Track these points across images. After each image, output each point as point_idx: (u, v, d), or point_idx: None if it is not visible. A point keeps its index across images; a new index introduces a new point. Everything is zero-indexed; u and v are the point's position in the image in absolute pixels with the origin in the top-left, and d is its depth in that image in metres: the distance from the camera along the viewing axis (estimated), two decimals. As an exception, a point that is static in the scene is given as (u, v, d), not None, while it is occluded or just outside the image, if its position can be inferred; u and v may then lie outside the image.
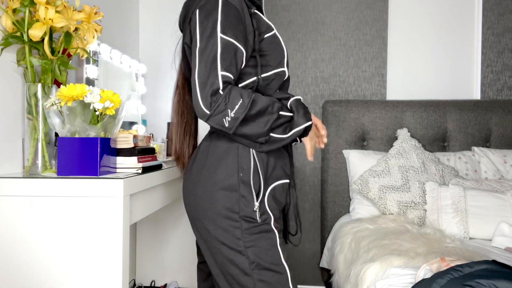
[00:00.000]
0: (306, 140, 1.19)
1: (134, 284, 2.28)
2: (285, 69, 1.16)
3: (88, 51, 1.46)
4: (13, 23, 1.22)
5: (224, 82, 1.02)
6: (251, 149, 1.11)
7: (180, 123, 1.27)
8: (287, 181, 1.19)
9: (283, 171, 1.17)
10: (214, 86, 1.01)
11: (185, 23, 1.18)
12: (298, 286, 2.44)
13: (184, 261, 2.32)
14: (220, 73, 1.02)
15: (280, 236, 1.14)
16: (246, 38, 1.08)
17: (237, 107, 1.01)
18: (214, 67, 1.02)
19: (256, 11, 1.16)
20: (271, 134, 1.07)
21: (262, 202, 1.11)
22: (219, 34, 1.03)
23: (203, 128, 1.31)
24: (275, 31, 1.16)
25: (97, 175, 1.15)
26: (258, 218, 1.09)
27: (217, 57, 1.02)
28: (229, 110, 1.01)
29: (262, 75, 1.12)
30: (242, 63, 1.08)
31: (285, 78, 1.17)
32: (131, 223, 1.20)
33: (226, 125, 1.02)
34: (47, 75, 1.27)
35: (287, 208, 1.24)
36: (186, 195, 1.18)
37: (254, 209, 1.09)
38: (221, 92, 1.01)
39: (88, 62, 1.64)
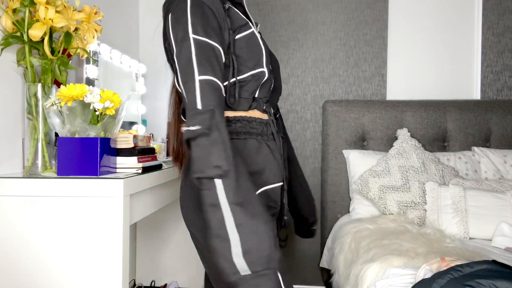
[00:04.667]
0: None
1: (134, 284, 2.28)
2: (265, 69, 1.08)
3: (88, 51, 1.46)
4: (13, 23, 1.22)
5: (203, 97, 0.92)
6: None
7: (177, 123, 1.27)
8: (277, 184, 1.13)
9: (273, 175, 1.12)
10: (193, 103, 0.92)
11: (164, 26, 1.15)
12: (299, 286, 2.44)
13: (184, 261, 2.32)
14: (198, 78, 0.93)
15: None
16: (222, 35, 1.02)
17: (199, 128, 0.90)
18: (191, 72, 0.94)
19: (231, 6, 1.09)
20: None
21: None
22: (191, 35, 0.96)
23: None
24: (252, 29, 1.08)
25: (97, 175, 1.15)
26: None
27: (192, 60, 0.94)
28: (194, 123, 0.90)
29: (239, 77, 1.06)
30: (223, 60, 1.01)
31: (265, 78, 1.10)
32: (131, 223, 1.20)
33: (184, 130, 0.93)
34: (47, 75, 1.28)
35: (281, 212, 1.20)
36: (180, 204, 1.18)
37: None
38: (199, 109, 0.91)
39: (88, 62, 1.64)
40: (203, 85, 0.93)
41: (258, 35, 1.10)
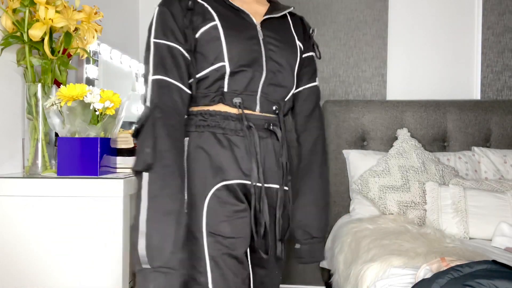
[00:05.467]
0: None
1: (134, 284, 2.28)
2: (225, 63, 1.05)
3: (88, 51, 1.46)
4: (13, 23, 1.22)
5: (155, 92, 1.00)
6: (186, 146, 1.07)
7: None
8: (237, 181, 1.06)
9: (232, 170, 1.05)
10: (144, 100, 1.01)
11: None
12: (299, 286, 2.44)
13: (184, 261, 2.32)
14: (151, 77, 1.01)
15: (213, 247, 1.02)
16: (184, 35, 1.05)
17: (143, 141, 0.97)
18: (147, 72, 1.02)
19: (202, 1, 1.07)
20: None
21: (199, 206, 1.03)
22: (152, 40, 1.03)
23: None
24: (215, 23, 1.06)
25: (97, 175, 1.15)
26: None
27: (148, 61, 1.02)
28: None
29: (200, 74, 1.07)
30: (184, 58, 1.04)
31: (228, 72, 1.05)
32: (131, 223, 1.20)
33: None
34: (47, 75, 1.28)
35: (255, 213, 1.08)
36: None
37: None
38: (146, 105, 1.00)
39: (88, 62, 1.64)
40: (153, 84, 1.00)
41: (221, 29, 1.05)
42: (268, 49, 1.11)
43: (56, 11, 1.23)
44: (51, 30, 1.26)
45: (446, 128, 2.32)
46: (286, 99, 1.17)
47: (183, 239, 0.95)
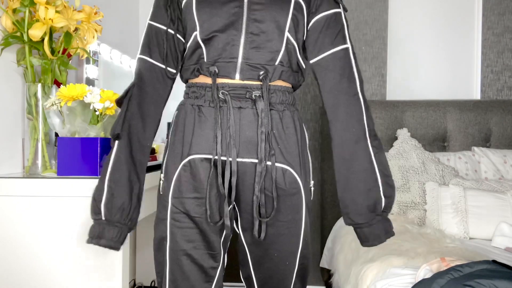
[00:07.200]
0: None
1: (134, 284, 2.28)
2: (197, 31, 1.03)
3: (88, 51, 1.46)
4: (13, 23, 1.22)
5: (137, 71, 1.09)
6: (174, 120, 1.10)
7: None
8: (202, 156, 1.02)
9: (198, 144, 1.02)
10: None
11: None
12: (298, 286, 2.43)
13: (184, 261, 2.31)
14: (137, 56, 1.11)
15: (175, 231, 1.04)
16: (177, 19, 1.08)
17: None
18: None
19: None
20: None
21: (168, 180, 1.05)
22: (147, 21, 1.12)
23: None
24: None
25: (97, 175, 1.15)
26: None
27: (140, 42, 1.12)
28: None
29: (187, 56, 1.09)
30: (169, 41, 1.08)
31: (200, 40, 1.03)
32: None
33: None
34: (47, 75, 1.28)
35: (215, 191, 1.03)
36: None
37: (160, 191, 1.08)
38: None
39: (88, 62, 1.64)
40: (138, 63, 1.11)
41: (194, 3, 1.04)
42: (252, 10, 1.02)
43: (56, 11, 1.23)
44: (51, 30, 1.26)
45: (446, 128, 2.32)
46: (276, 63, 1.04)
47: (113, 193, 1.02)
